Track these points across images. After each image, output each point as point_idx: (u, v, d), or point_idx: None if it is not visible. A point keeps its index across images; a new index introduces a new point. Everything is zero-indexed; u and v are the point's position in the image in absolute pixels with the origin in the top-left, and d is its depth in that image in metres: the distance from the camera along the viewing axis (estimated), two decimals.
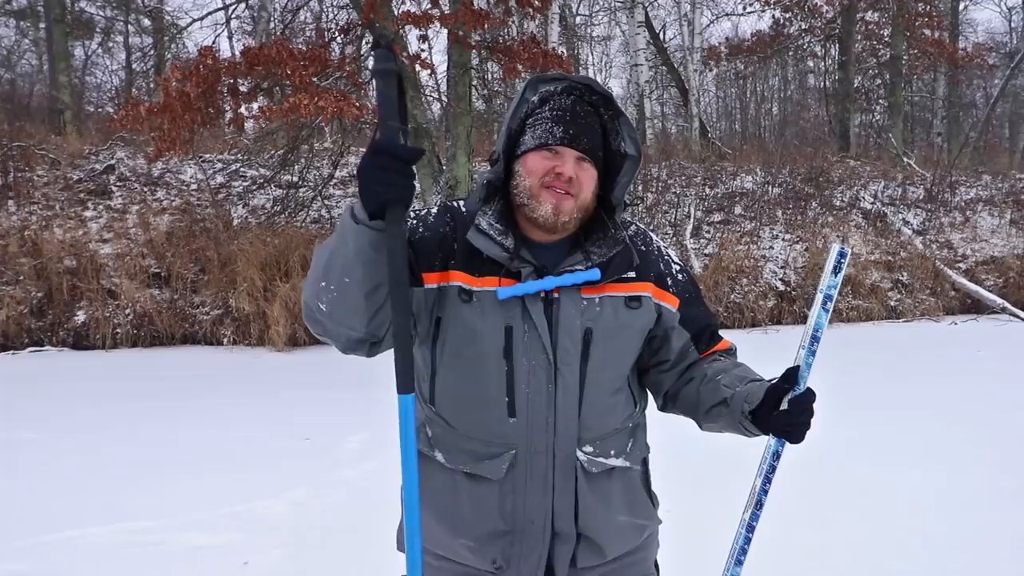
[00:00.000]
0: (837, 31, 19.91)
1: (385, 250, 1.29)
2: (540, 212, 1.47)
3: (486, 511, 1.51)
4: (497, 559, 1.52)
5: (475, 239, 1.48)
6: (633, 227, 1.65)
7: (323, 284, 1.38)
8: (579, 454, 1.51)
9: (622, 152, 1.56)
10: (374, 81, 1.31)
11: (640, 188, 12.17)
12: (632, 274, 1.55)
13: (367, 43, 10.90)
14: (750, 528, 1.49)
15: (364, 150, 1.38)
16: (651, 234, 1.68)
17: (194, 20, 12.08)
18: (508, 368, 1.48)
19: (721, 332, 1.71)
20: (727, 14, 23.17)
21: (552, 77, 1.54)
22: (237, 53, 9.02)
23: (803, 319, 10.68)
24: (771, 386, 1.44)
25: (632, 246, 1.57)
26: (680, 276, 1.64)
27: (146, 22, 20.58)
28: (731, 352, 1.70)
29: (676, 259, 1.67)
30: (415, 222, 1.55)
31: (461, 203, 1.60)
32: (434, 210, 1.59)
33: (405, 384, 1.35)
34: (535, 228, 1.52)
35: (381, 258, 1.31)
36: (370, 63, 10.95)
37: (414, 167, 1.31)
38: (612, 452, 1.56)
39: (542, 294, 1.48)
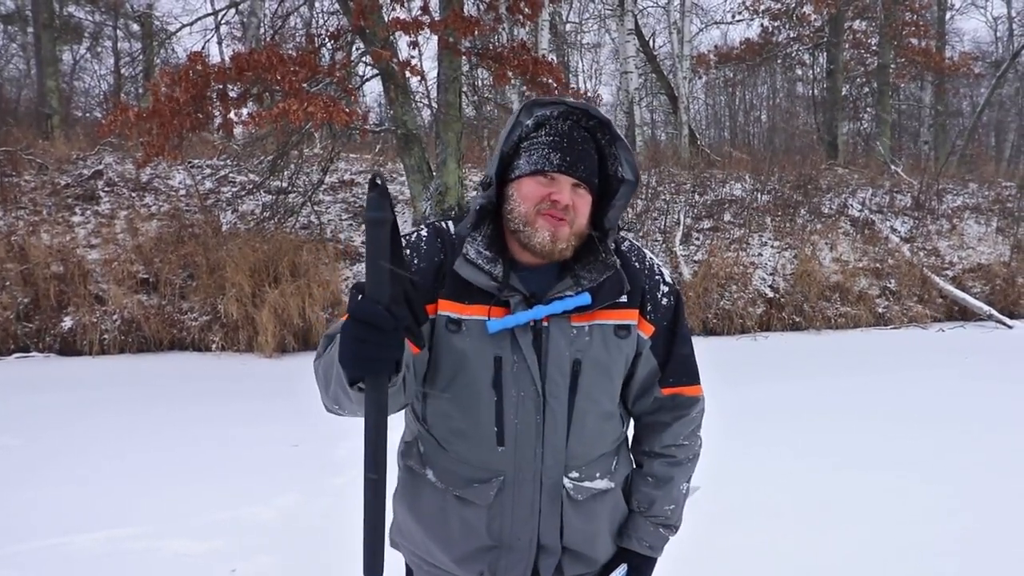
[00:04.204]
0: (825, 40, 20.03)
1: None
2: (537, 240, 1.44)
3: (474, 531, 1.51)
4: (484, 571, 1.54)
5: (462, 269, 1.44)
6: (627, 242, 1.61)
7: (331, 404, 1.39)
8: (565, 481, 1.51)
9: (619, 177, 1.52)
10: (364, 228, 1.16)
11: None
12: (623, 299, 1.51)
13: (357, 49, 10.90)
14: None
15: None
16: (645, 251, 1.64)
17: (183, 25, 12.09)
18: (497, 398, 1.46)
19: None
20: (716, 22, 23.34)
21: (549, 101, 1.50)
22: (227, 59, 8.99)
23: (792, 326, 10.76)
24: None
25: (626, 263, 1.54)
26: (664, 300, 1.58)
27: (135, 27, 20.50)
28: (690, 417, 1.63)
29: (668, 279, 1.62)
30: (409, 252, 1.49)
31: (450, 224, 1.55)
32: (424, 234, 1.53)
33: (373, 568, 1.18)
34: (527, 252, 1.48)
35: None
36: (360, 69, 11.00)
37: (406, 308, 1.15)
38: (597, 475, 1.56)
39: (531, 323, 1.45)
